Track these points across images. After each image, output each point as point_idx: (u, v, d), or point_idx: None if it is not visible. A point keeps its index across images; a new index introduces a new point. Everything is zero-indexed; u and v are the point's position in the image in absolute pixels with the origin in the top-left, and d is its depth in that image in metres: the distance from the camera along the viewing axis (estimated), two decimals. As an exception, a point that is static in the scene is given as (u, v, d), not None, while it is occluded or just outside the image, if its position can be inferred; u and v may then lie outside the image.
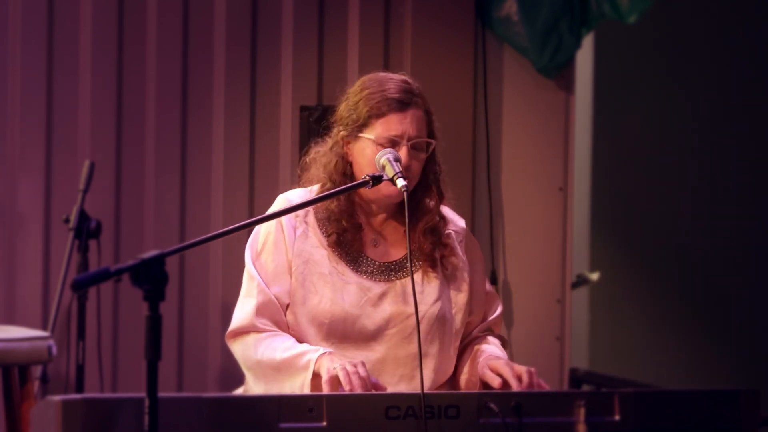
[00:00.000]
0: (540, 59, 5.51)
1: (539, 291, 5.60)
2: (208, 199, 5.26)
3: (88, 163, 4.79)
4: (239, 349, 3.34)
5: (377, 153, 3.30)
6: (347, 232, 3.34)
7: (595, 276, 6.62)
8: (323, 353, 3.19)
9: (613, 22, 5.64)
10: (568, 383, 5.73)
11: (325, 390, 3.10)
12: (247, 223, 3.05)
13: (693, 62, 7.08)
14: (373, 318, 3.31)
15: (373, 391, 3.10)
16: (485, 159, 5.55)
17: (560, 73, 5.60)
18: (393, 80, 3.37)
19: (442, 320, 3.36)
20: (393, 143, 3.30)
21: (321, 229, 3.36)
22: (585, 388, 6.37)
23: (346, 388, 3.06)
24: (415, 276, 3.35)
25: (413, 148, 3.31)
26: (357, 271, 3.34)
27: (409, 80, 3.40)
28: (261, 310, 3.32)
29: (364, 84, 3.38)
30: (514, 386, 3.19)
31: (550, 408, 2.98)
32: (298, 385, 3.19)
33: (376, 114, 3.32)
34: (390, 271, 3.37)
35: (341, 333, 3.30)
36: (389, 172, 3.23)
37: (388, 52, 5.42)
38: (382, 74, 3.42)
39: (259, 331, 3.31)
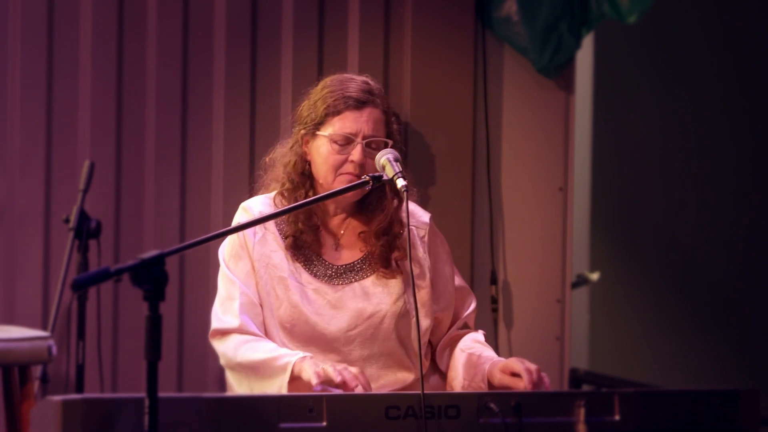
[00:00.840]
0: (540, 59, 5.51)
1: (539, 291, 5.59)
2: (208, 199, 5.26)
3: (88, 163, 4.79)
4: (222, 348, 3.37)
5: (332, 150, 3.32)
6: (304, 234, 3.35)
7: (595, 276, 6.63)
8: (303, 357, 3.19)
9: (613, 22, 5.64)
10: (568, 383, 5.72)
11: (313, 382, 3.10)
12: (246, 224, 3.06)
13: (693, 62, 7.08)
14: (336, 320, 3.33)
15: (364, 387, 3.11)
16: (485, 159, 5.55)
17: (560, 73, 5.60)
18: (354, 80, 3.41)
19: (404, 317, 3.36)
20: (348, 140, 3.33)
21: (280, 233, 3.38)
22: (585, 388, 6.38)
23: (337, 380, 3.06)
24: (371, 277, 3.37)
25: (369, 147, 3.33)
26: (314, 275, 3.35)
27: (371, 81, 3.42)
28: (244, 311, 3.34)
29: (325, 84, 3.43)
30: (526, 379, 3.19)
31: (550, 408, 2.98)
32: (276, 387, 3.20)
33: (332, 112, 3.35)
34: (347, 272, 3.38)
35: (306, 336, 3.31)
36: (389, 172, 3.24)
37: (388, 52, 5.42)
38: (346, 75, 3.45)
39: (242, 332, 3.33)
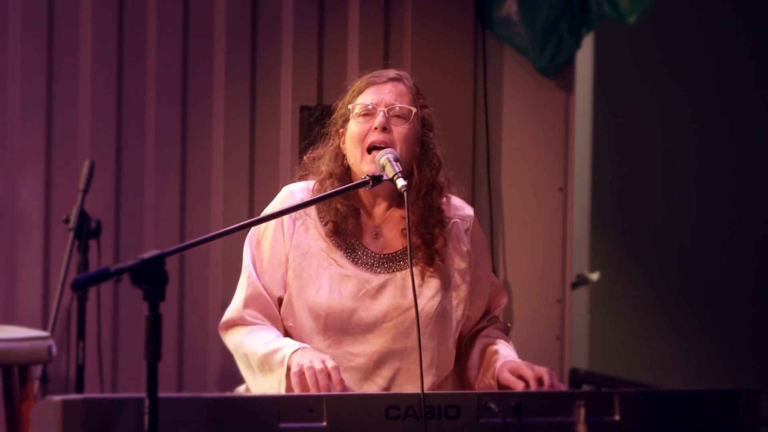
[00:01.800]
0: (540, 59, 5.51)
1: (539, 291, 5.60)
2: (208, 199, 5.26)
3: (88, 163, 4.79)
4: (230, 340, 3.38)
5: (357, 124, 3.32)
6: (346, 218, 3.35)
7: (595, 276, 6.63)
8: (296, 349, 3.19)
9: (613, 22, 5.64)
10: (568, 383, 5.72)
11: (293, 382, 3.10)
12: (248, 223, 3.05)
13: (693, 62, 7.09)
14: (370, 311, 3.31)
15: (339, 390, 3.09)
16: (485, 159, 5.55)
17: (560, 73, 5.60)
18: (387, 70, 3.43)
19: (441, 315, 3.36)
20: (370, 111, 3.33)
21: (320, 220, 3.37)
22: (585, 388, 6.38)
23: (312, 390, 3.06)
24: (413, 269, 3.34)
25: (394, 116, 3.33)
26: (356, 263, 3.34)
27: (401, 71, 3.43)
28: (249, 303, 3.34)
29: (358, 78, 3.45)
30: (534, 388, 3.20)
31: (550, 408, 2.98)
32: (276, 382, 3.20)
33: (357, 93, 3.38)
34: (390, 262, 3.37)
35: (338, 325, 3.30)
36: (389, 172, 3.23)
37: (388, 52, 5.42)
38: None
39: (246, 323, 3.33)
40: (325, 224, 3.35)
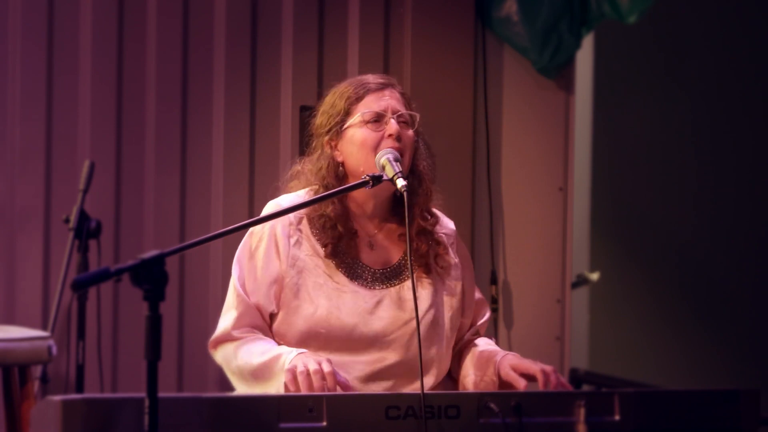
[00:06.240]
0: (540, 59, 5.52)
1: (539, 291, 5.60)
2: (208, 199, 5.26)
3: (88, 163, 4.79)
4: (220, 357, 3.37)
5: (366, 132, 3.31)
6: (343, 238, 3.34)
7: (595, 276, 6.63)
8: (296, 354, 3.18)
9: (613, 22, 5.64)
10: (568, 383, 5.72)
11: (286, 378, 3.09)
12: (247, 224, 3.05)
13: (693, 62, 7.09)
14: (370, 325, 3.31)
15: (339, 391, 3.09)
16: (485, 159, 5.56)
17: (560, 73, 5.60)
18: (367, 75, 3.43)
19: (436, 325, 3.36)
20: (379, 117, 3.31)
21: (315, 237, 3.36)
22: (585, 388, 6.38)
23: (303, 391, 3.06)
24: (408, 281, 3.34)
25: (401, 122, 3.33)
26: (352, 279, 3.33)
27: (387, 77, 3.44)
28: (240, 321, 3.32)
29: (337, 88, 3.43)
30: (540, 381, 3.20)
31: (550, 408, 2.98)
32: (275, 387, 3.19)
33: (355, 99, 3.36)
34: (385, 278, 3.36)
35: (339, 342, 3.29)
36: (389, 172, 3.23)
37: (388, 52, 5.42)
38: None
39: (236, 339, 3.32)
40: (324, 245, 3.34)
